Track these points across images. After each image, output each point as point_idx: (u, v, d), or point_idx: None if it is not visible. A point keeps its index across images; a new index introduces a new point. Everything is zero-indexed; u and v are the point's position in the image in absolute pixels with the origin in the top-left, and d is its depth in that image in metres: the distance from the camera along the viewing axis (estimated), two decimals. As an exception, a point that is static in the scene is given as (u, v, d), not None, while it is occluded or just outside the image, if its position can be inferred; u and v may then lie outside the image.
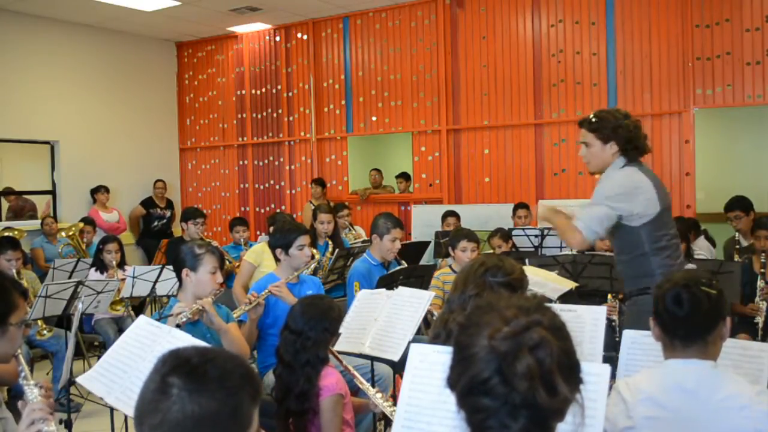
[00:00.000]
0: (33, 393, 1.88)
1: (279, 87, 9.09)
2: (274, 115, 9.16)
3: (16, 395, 3.67)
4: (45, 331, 4.94)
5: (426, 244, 6.13)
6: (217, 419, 1.16)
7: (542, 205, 3.46)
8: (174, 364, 1.19)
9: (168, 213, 9.14)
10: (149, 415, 1.17)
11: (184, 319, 2.93)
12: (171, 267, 4.66)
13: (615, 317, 4.38)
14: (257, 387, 1.24)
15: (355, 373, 2.80)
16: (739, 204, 5.31)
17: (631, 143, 3.08)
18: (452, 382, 1.17)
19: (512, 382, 1.08)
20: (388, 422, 2.95)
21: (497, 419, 1.11)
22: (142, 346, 2.47)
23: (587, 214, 3.01)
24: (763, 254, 4.64)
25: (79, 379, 2.54)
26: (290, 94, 9.01)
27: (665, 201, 3.09)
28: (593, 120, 3.13)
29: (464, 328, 1.19)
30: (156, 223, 9.02)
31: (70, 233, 6.88)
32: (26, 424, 1.79)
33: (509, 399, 1.09)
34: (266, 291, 3.54)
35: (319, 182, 8.38)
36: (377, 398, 2.65)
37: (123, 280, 5.13)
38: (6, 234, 6.00)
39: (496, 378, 1.10)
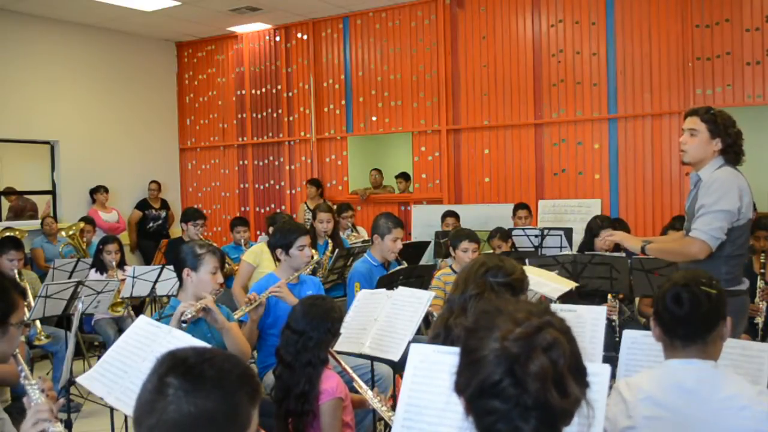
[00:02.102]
0: (36, 393, 1.89)
1: (279, 87, 9.09)
2: (274, 115, 9.16)
3: (17, 396, 3.67)
4: (43, 337, 4.90)
5: (426, 244, 6.13)
6: (214, 419, 1.16)
7: (630, 240, 3.43)
8: (171, 364, 1.19)
9: (163, 213, 9.13)
10: (147, 415, 1.17)
11: (189, 316, 2.93)
12: (171, 267, 4.67)
13: (615, 317, 4.38)
14: (256, 387, 1.24)
15: (354, 376, 2.80)
16: None
17: (734, 147, 3.12)
18: (461, 386, 1.17)
19: (524, 383, 1.09)
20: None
21: (508, 421, 1.11)
22: (142, 346, 2.47)
23: (705, 223, 2.99)
24: (763, 254, 4.65)
25: (79, 379, 2.54)
26: (290, 94, 9.01)
27: (753, 208, 3.14)
28: (708, 111, 3.14)
29: (472, 332, 1.19)
30: (151, 224, 9.01)
31: (71, 233, 6.88)
32: (31, 423, 1.79)
33: (521, 401, 1.09)
34: (267, 291, 3.54)
35: (314, 182, 8.40)
36: (375, 402, 2.65)
37: (123, 280, 5.12)
38: (8, 234, 6.00)
39: (507, 380, 1.10)
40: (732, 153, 3.12)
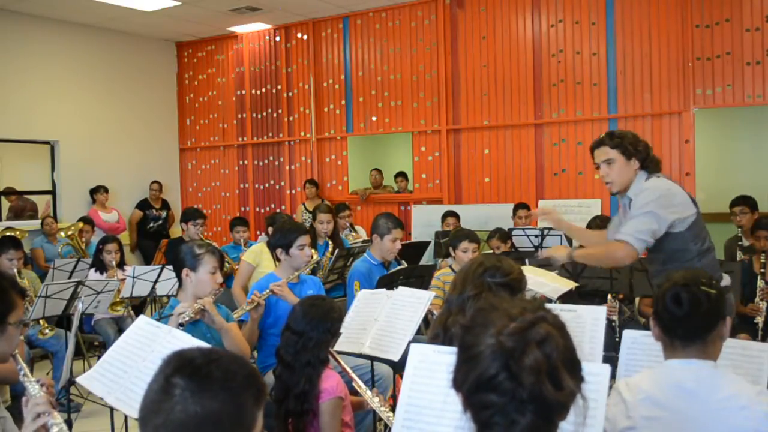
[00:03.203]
0: (35, 388, 1.89)
1: (279, 87, 9.09)
2: (274, 115, 9.16)
3: (17, 395, 3.67)
4: (47, 330, 4.95)
5: (426, 244, 6.13)
6: (220, 420, 1.16)
7: (559, 250, 3.38)
8: (177, 364, 1.20)
9: (163, 214, 9.13)
10: (153, 415, 1.17)
11: (187, 318, 2.93)
12: (171, 267, 4.66)
13: (615, 317, 4.39)
14: (261, 388, 1.24)
15: (354, 377, 2.79)
16: (746, 201, 5.36)
17: (648, 159, 3.13)
18: (458, 382, 1.19)
19: (519, 377, 1.11)
20: (388, 422, 2.95)
21: (504, 415, 1.13)
22: (142, 346, 2.47)
23: (632, 227, 3.00)
24: (763, 254, 4.65)
25: (79, 379, 2.54)
26: (290, 94, 9.01)
27: (696, 204, 3.10)
28: (614, 137, 3.16)
29: (468, 329, 1.21)
30: (152, 224, 9.01)
31: (70, 233, 6.88)
32: (31, 418, 1.79)
33: (516, 394, 1.11)
34: (268, 291, 3.54)
35: (314, 182, 8.41)
36: (375, 403, 2.65)
37: (123, 280, 5.12)
38: (8, 234, 6.00)
39: (503, 374, 1.12)
40: (650, 164, 3.14)
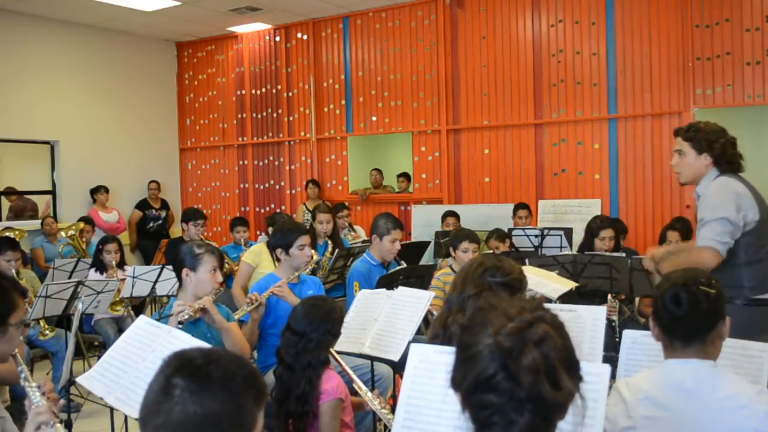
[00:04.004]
0: (36, 396, 1.89)
1: (279, 87, 9.09)
2: (274, 115, 9.16)
3: (16, 397, 3.67)
4: (47, 331, 4.95)
5: (426, 244, 6.13)
6: (220, 421, 1.16)
7: (650, 258, 3.27)
8: (177, 365, 1.20)
9: (163, 213, 9.13)
10: (153, 415, 1.17)
11: (186, 316, 2.93)
12: (171, 267, 4.66)
13: (615, 317, 4.38)
14: (262, 389, 1.24)
15: (354, 377, 2.79)
16: None
17: (724, 158, 3.08)
18: (457, 382, 1.19)
19: (517, 377, 1.11)
20: (388, 422, 2.95)
21: (503, 414, 1.13)
22: (142, 346, 2.47)
23: (710, 231, 2.95)
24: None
25: (79, 379, 2.54)
26: (290, 94, 9.01)
27: (765, 210, 3.03)
28: (689, 129, 3.13)
29: (467, 328, 1.21)
30: (152, 224, 9.01)
31: (70, 233, 6.88)
32: (33, 428, 1.79)
33: (514, 394, 1.11)
34: (268, 291, 3.54)
35: (316, 183, 8.42)
36: (375, 404, 2.65)
37: (123, 280, 5.12)
38: (6, 234, 6.00)
39: (501, 374, 1.12)
40: (724, 164, 3.08)
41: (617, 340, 3.98)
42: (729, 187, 3.02)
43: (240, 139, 9.48)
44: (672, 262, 3.20)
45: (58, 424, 1.81)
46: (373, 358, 3.22)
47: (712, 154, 3.07)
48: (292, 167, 9.08)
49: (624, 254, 4.57)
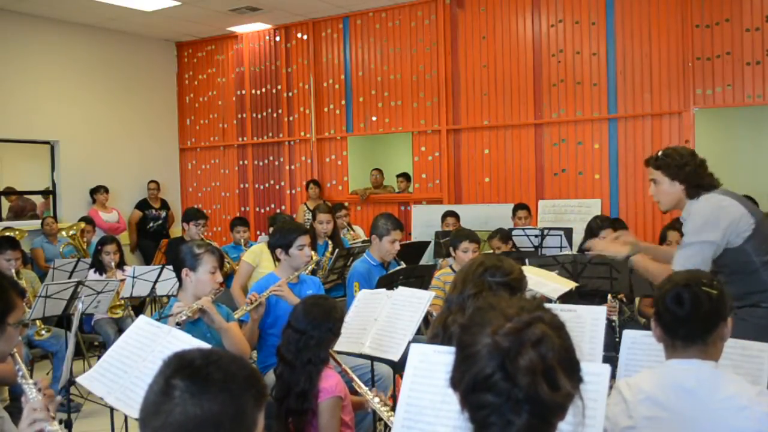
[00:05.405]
0: (33, 392, 1.88)
1: (279, 87, 9.09)
2: (274, 115, 9.16)
3: (16, 397, 3.67)
4: (44, 332, 4.94)
5: (426, 244, 6.13)
6: (220, 421, 1.16)
7: (615, 246, 3.40)
8: (177, 366, 1.19)
9: (163, 213, 9.13)
10: (153, 416, 1.17)
11: (184, 317, 2.93)
12: (171, 267, 4.66)
13: (615, 317, 4.38)
14: (262, 390, 1.24)
15: (354, 377, 2.79)
16: (751, 200, 5.34)
17: (695, 180, 3.06)
18: (455, 381, 1.19)
19: (515, 378, 1.10)
20: (388, 422, 2.95)
21: (500, 415, 1.12)
22: (142, 346, 2.47)
23: (682, 256, 2.95)
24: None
25: (79, 379, 2.54)
26: (290, 94, 9.01)
27: (758, 213, 3.01)
28: (658, 158, 3.12)
29: (466, 328, 1.21)
30: (151, 224, 9.01)
31: (71, 233, 6.88)
32: (27, 423, 1.79)
33: (512, 394, 1.11)
34: (268, 291, 3.54)
35: (317, 183, 8.42)
36: (375, 403, 2.64)
37: (122, 280, 5.12)
38: (6, 234, 6.00)
39: (498, 374, 1.12)
40: (696, 187, 3.06)
41: (617, 340, 3.97)
42: (711, 203, 3.00)
43: (240, 139, 9.48)
44: (646, 263, 3.21)
45: (55, 422, 1.80)
46: (373, 358, 3.22)
47: (683, 180, 3.07)
48: (292, 167, 9.08)
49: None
